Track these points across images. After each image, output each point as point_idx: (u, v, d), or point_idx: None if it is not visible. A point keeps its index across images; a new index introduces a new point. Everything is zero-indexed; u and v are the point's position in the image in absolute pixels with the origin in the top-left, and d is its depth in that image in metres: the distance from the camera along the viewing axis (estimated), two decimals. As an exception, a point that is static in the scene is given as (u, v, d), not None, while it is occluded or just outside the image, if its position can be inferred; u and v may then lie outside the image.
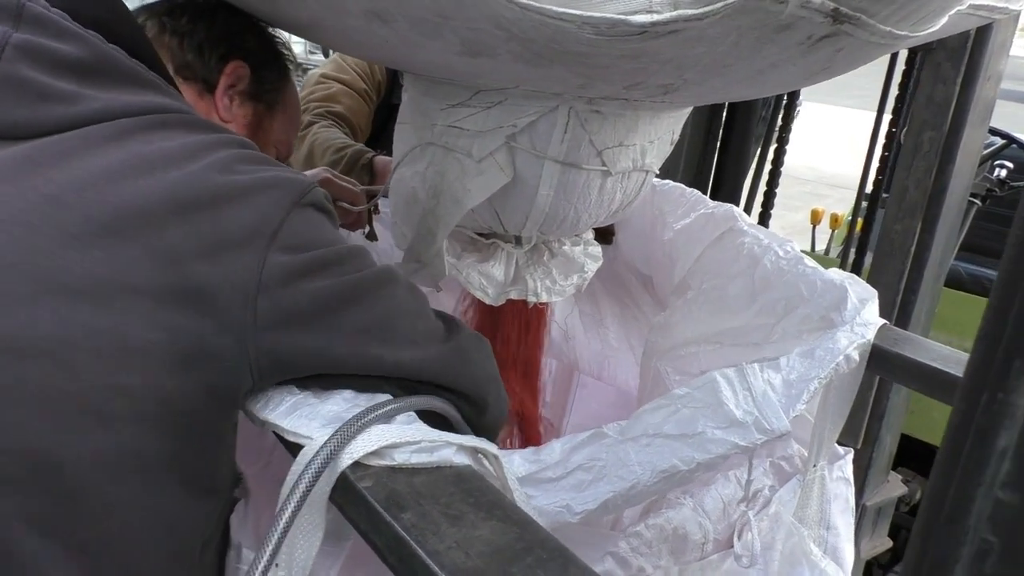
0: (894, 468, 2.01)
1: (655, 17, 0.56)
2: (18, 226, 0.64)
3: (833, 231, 3.08)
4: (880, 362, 1.02)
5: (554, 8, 0.59)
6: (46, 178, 0.67)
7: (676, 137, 1.15)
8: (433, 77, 1.00)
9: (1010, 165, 2.37)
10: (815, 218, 2.97)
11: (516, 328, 1.24)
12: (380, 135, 1.77)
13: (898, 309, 1.64)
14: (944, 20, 0.83)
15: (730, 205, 1.20)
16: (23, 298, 0.62)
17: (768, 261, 1.09)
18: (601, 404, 1.61)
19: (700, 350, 1.12)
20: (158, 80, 0.79)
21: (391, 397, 0.79)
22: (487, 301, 1.12)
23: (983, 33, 1.46)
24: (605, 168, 1.02)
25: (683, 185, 1.30)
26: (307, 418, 0.74)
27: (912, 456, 2.20)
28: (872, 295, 1.01)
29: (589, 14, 0.58)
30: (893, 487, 1.89)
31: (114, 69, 0.75)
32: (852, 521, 1.16)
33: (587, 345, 1.57)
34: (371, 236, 1.41)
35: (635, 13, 0.57)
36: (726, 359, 1.09)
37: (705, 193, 1.56)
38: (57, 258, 0.64)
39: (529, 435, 1.28)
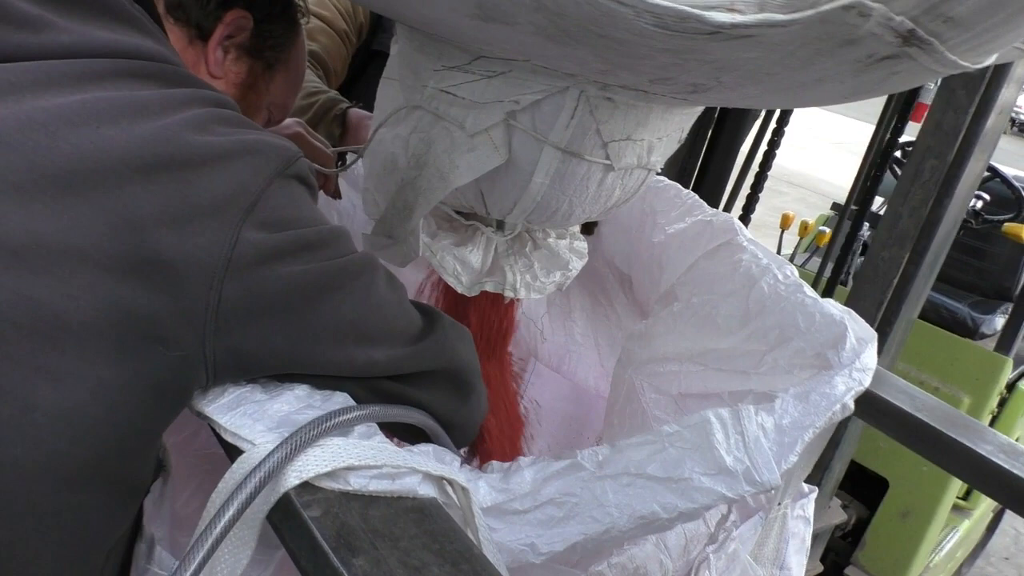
0: (832, 491, 1.99)
1: (738, 18, 0.46)
2: None
3: (800, 238, 3.05)
4: (864, 406, 0.95)
5: (615, -12, 0.49)
6: None
7: (684, 136, 1.06)
8: (430, 33, 0.89)
9: (987, 197, 2.35)
10: (785, 223, 2.93)
11: (484, 322, 1.14)
12: (356, 81, 1.63)
13: (870, 337, 1.59)
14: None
15: (730, 215, 1.11)
16: None
17: (766, 283, 1.01)
18: (555, 397, 1.53)
19: (681, 369, 1.05)
20: (142, 16, 0.68)
21: (350, 400, 0.69)
22: (459, 290, 1.01)
23: (1003, 65, 1.40)
24: (608, 162, 0.93)
25: (679, 185, 1.21)
26: (251, 417, 0.64)
27: (853, 480, 2.18)
28: (872, 337, 0.94)
29: (656, 1, 0.48)
30: (834, 514, 1.86)
31: None
32: (805, 561, 1.12)
33: (551, 336, 1.49)
34: (335, 194, 1.29)
35: (712, 8, 0.47)
36: (708, 383, 1.02)
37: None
38: None
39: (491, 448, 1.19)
